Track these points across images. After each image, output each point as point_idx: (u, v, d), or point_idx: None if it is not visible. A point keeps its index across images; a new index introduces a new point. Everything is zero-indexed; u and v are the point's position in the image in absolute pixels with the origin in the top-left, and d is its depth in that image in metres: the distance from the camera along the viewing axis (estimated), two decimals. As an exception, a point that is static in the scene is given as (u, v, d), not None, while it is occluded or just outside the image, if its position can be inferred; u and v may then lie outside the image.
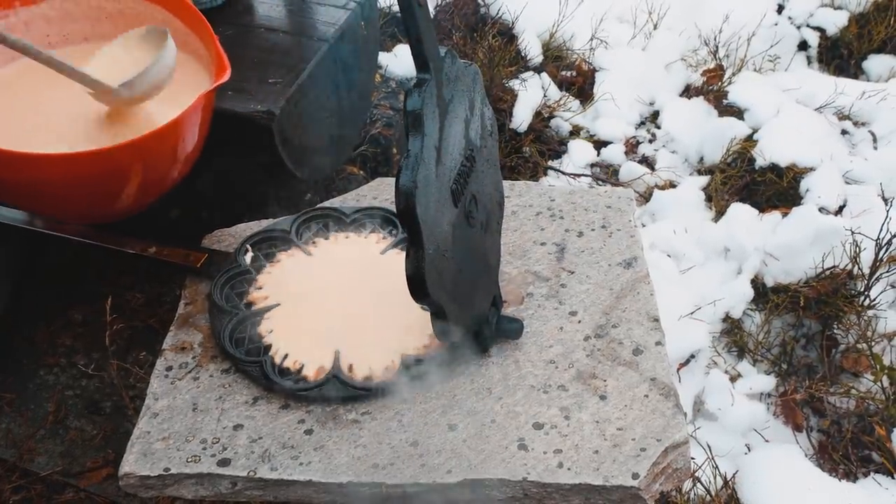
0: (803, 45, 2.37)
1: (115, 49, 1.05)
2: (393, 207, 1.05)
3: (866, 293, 1.57)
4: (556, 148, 2.08)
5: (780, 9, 2.45)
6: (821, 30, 2.37)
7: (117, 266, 1.33)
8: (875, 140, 2.02)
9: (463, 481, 0.82)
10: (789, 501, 1.30)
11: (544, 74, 2.19)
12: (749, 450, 1.43)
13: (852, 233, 1.58)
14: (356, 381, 0.90)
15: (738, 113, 2.04)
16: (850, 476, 1.39)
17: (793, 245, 1.63)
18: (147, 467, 0.84)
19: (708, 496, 1.32)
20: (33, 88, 1.11)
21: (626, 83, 2.20)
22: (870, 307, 1.56)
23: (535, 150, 2.04)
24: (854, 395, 1.47)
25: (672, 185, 1.96)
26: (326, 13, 1.42)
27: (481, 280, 0.90)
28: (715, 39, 2.30)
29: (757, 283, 1.65)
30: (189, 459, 0.84)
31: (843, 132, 2.05)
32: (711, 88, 2.19)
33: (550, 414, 0.88)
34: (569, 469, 0.82)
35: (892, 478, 1.36)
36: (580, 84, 2.24)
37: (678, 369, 1.54)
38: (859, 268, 1.58)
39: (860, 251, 1.57)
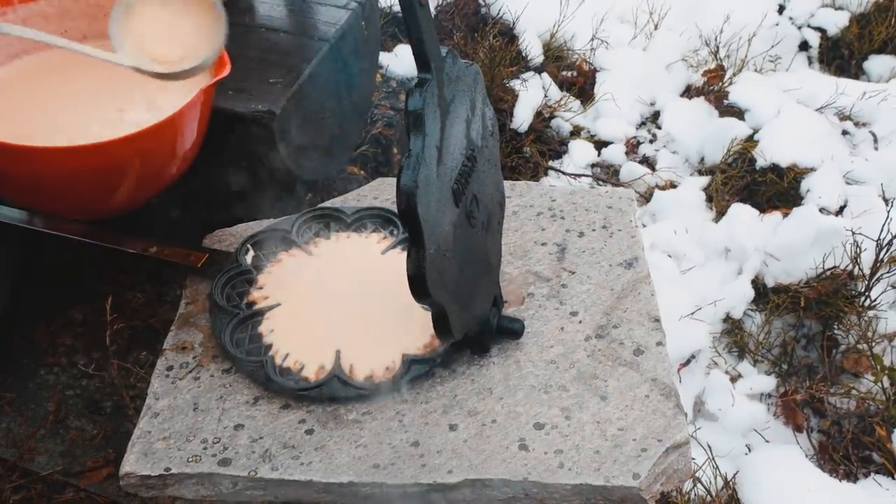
0: (804, 46, 2.37)
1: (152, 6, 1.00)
2: (394, 207, 1.05)
3: (867, 293, 1.57)
4: (557, 148, 2.08)
5: (781, 9, 2.45)
6: (822, 30, 2.37)
7: (117, 266, 1.32)
8: (876, 140, 2.02)
9: (464, 481, 0.82)
10: (790, 502, 1.30)
11: (545, 74, 2.19)
12: (749, 450, 1.43)
13: (853, 233, 1.58)
14: (357, 381, 0.90)
15: (738, 113, 2.04)
16: (851, 476, 1.39)
17: (793, 245, 1.63)
18: (148, 467, 0.84)
19: (708, 496, 1.32)
20: (36, 85, 1.10)
21: (627, 83, 2.20)
22: (870, 308, 1.56)
23: (535, 151, 2.04)
24: (854, 396, 1.47)
25: (673, 186, 1.96)
26: (327, 13, 1.42)
27: (482, 280, 0.90)
28: (716, 40, 2.30)
29: (757, 284, 1.65)
30: (190, 459, 0.84)
31: (844, 132, 2.05)
32: (712, 89, 2.19)
33: (551, 414, 0.88)
34: (570, 469, 0.82)
35: (893, 478, 1.36)
36: (581, 84, 2.24)
37: (679, 370, 1.54)
38: (860, 268, 1.58)
39: (861, 252, 1.57)
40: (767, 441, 1.44)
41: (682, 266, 1.70)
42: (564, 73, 2.27)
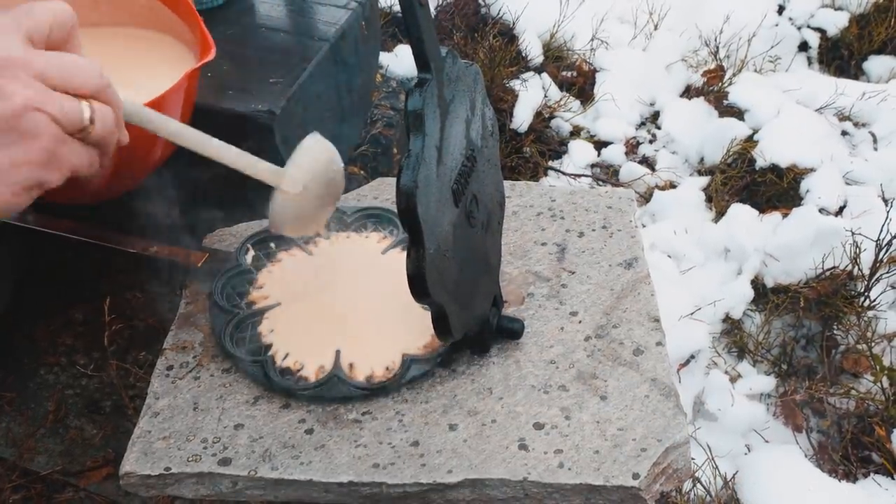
0: (804, 46, 2.37)
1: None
2: (394, 207, 1.05)
3: (866, 294, 1.57)
4: (557, 148, 2.08)
5: (781, 9, 2.45)
6: (821, 31, 2.37)
7: (117, 266, 1.33)
8: (875, 141, 2.02)
9: (463, 481, 0.82)
10: (789, 502, 1.30)
11: (545, 75, 2.19)
12: (749, 450, 1.43)
13: (852, 233, 1.59)
14: (357, 381, 0.90)
15: (738, 113, 2.05)
16: (850, 477, 1.39)
17: (793, 246, 1.63)
18: (148, 466, 0.84)
19: (708, 496, 1.32)
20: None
21: (627, 84, 2.20)
22: (870, 308, 1.56)
23: (535, 151, 2.04)
24: (854, 396, 1.47)
25: (672, 186, 1.96)
26: (327, 13, 1.42)
27: (482, 280, 0.90)
28: (715, 40, 2.30)
29: (757, 284, 1.65)
30: (190, 459, 0.84)
31: (844, 133, 2.06)
32: (712, 89, 2.19)
33: (551, 414, 0.88)
34: (569, 469, 0.82)
35: (892, 478, 1.36)
36: (581, 84, 2.24)
37: (678, 370, 1.54)
38: (859, 268, 1.58)
39: (860, 252, 1.58)
40: (767, 441, 1.44)
41: (682, 266, 1.70)
42: (564, 73, 2.27)
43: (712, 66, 2.29)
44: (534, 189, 1.17)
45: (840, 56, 2.36)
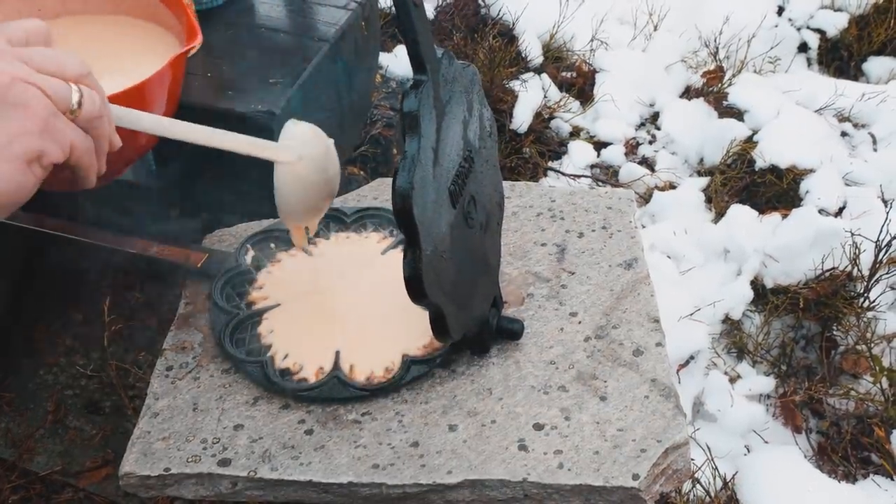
0: (803, 47, 2.37)
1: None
2: (394, 208, 1.05)
3: (866, 295, 1.57)
4: (556, 149, 2.08)
5: (781, 10, 2.45)
6: (821, 31, 2.37)
7: (117, 266, 1.33)
8: (875, 142, 2.02)
9: (463, 482, 0.82)
10: (788, 503, 1.30)
11: (544, 75, 2.19)
12: (748, 451, 1.43)
13: (852, 234, 1.59)
14: (357, 382, 0.90)
15: (738, 114, 2.05)
16: (850, 477, 1.39)
17: (792, 246, 1.63)
18: (147, 467, 0.84)
19: (707, 497, 1.32)
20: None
21: (627, 84, 2.20)
22: (869, 309, 1.56)
23: (535, 151, 2.04)
24: (853, 397, 1.47)
25: (672, 187, 1.96)
26: (327, 13, 1.42)
27: (481, 281, 0.90)
28: (715, 41, 2.30)
29: (756, 285, 1.65)
30: (189, 459, 0.84)
31: (843, 134, 2.06)
32: (711, 90, 2.19)
33: (551, 415, 0.88)
34: (569, 470, 0.82)
35: (892, 479, 1.36)
36: (580, 85, 2.24)
37: (678, 370, 1.54)
38: (859, 269, 1.58)
39: (860, 253, 1.57)
40: (766, 442, 1.44)
41: (682, 267, 1.70)
42: (564, 73, 2.27)
43: (712, 66, 2.29)
44: (533, 189, 1.17)
45: (839, 57, 2.36)
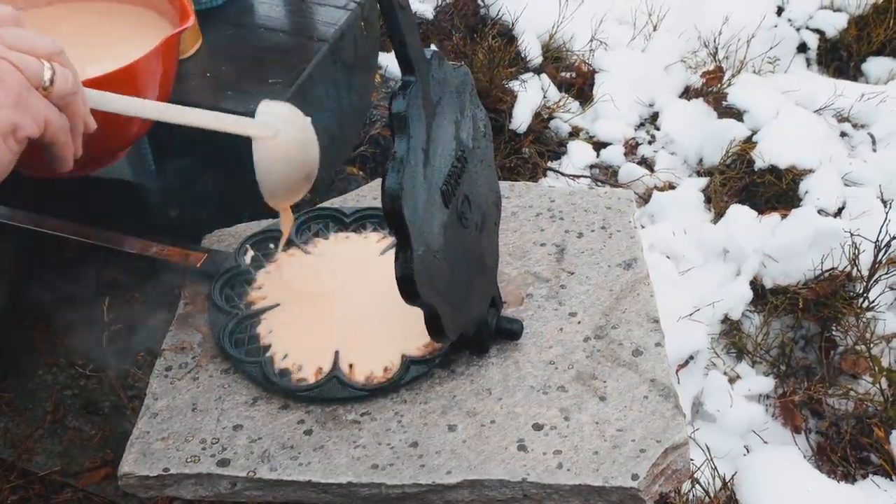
0: (802, 47, 2.37)
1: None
2: (393, 208, 1.05)
3: (865, 295, 1.57)
4: (556, 149, 2.08)
5: (780, 11, 2.45)
6: (820, 32, 2.37)
7: (117, 266, 1.32)
8: (874, 142, 2.02)
9: (462, 482, 0.82)
10: (788, 503, 1.30)
11: (544, 75, 2.19)
12: (748, 451, 1.43)
13: (851, 234, 1.59)
14: (356, 382, 0.90)
15: (737, 114, 2.05)
16: (849, 478, 1.39)
17: (792, 247, 1.63)
18: (146, 467, 0.84)
19: (707, 497, 1.32)
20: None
21: (626, 84, 2.20)
22: (868, 309, 1.56)
23: (534, 151, 2.04)
24: (853, 397, 1.47)
25: (671, 187, 1.96)
26: (326, 13, 1.42)
27: (477, 280, 0.90)
28: (714, 41, 2.30)
29: (756, 285, 1.65)
30: (188, 460, 0.84)
31: (843, 134, 2.06)
32: (711, 90, 2.19)
33: (550, 415, 0.88)
34: (568, 470, 0.82)
35: (891, 479, 1.36)
36: (580, 85, 2.25)
37: (677, 371, 1.54)
38: (858, 270, 1.58)
39: (859, 253, 1.58)
40: (766, 442, 1.44)
41: (681, 267, 1.70)
42: (563, 74, 2.27)
43: (711, 67, 2.29)
44: (533, 189, 1.17)
45: (839, 57, 2.36)
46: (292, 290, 1.01)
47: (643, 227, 1.83)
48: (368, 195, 1.18)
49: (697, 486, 1.33)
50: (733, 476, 1.34)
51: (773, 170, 1.87)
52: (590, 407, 0.88)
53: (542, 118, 2.12)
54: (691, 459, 0.90)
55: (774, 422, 1.49)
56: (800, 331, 1.60)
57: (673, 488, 1.00)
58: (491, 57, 2.07)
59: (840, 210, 1.77)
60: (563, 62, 2.29)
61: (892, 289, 1.61)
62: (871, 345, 1.51)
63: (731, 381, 1.53)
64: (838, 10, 2.39)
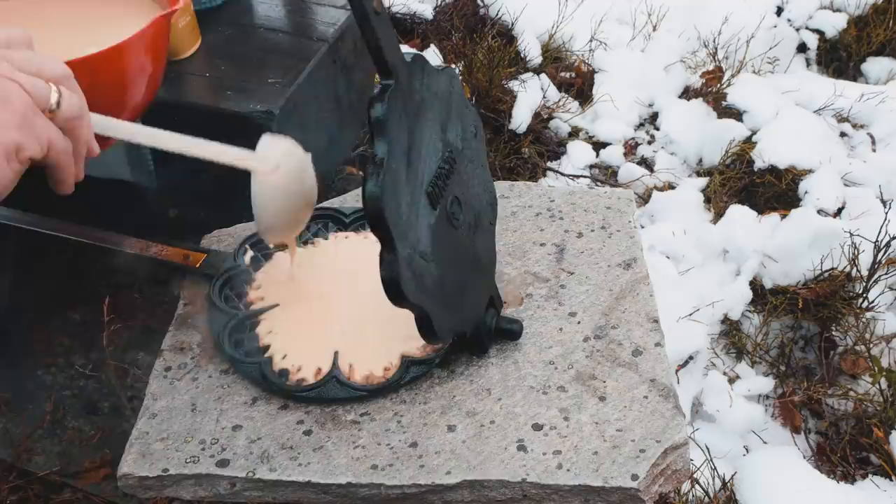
0: (802, 48, 2.37)
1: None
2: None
3: (865, 295, 1.57)
4: (555, 149, 2.08)
5: (780, 11, 2.45)
6: (820, 32, 2.37)
7: (116, 266, 1.32)
8: (874, 142, 2.03)
9: (462, 482, 0.82)
10: (787, 503, 1.30)
11: (543, 75, 2.19)
12: (747, 451, 1.43)
13: (851, 235, 1.59)
14: (355, 382, 0.90)
15: (737, 115, 2.05)
16: (849, 478, 1.39)
17: (791, 247, 1.63)
18: (146, 468, 0.84)
19: (706, 498, 1.32)
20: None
21: (626, 85, 2.20)
22: (868, 309, 1.56)
23: (534, 152, 2.04)
24: (852, 398, 1.47)
25: (671, 187, 1.96)
26: (326, 13, 1.42)
27: (472, 280, 0.90)
28: (714, 41, 2.30)
29: (755, 285, 1.65)
30: (188, 460, 0.84)
31: (842, 134, 2.06)
32: (710, 90, 2.19)
33: (550, 415, 0.87)
34: (568, 470, 0.82)
35: (891, 480, 1.36)
36: (579, 85, 2.24)
37: (676, 371, 1.54)
38: (858, 270, 1.58)
39: (859, 253, 1.57)
40: (765, 442, 1.44)
41: (681, 267, 1.70)
42: (563, 74, 2.27)
43: (711, 67, 2.29)
44: (533, 189, 1.17)
45: (838, 58, 2.36)
46: (292, 291, 1.01)
47: (643, 227, 1.83)
48: (368, 195, 1.17)
49: (697, 486, 1.33)
50: (733, 476, 1.34)
51: (772, 170, 1.87)
52: (589, 407, 0.88)
53: (541, 118, 2.12)
54: (691, 460, 0.90)
55: (774, 422, 1.49)
56: (799, 331, 1.60)
57: (673, 488, 1.00)
58: (490, 57, 2.07)
59: (840, 210, 1.78)
60: (562, 62, 2.29)
61: (891, 289, 1.61)
62: (871, 345, 1.51)
63: (731, 381, 1.53)
64: (838, 10, 2.39)
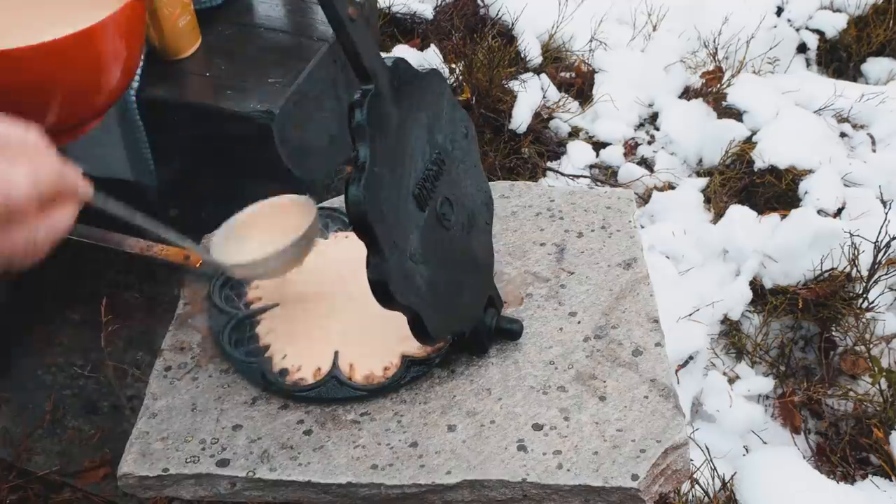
0: (802, 48, 2.37)
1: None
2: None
3: (865, 295, 1.57)
4: (555, 149, 2.08)
5: (780, 11, 2.45)
6: (820, 32, 2.37)
7: (116, 266, 1.32)
8: (874, 142, 2.03)
9: (462, 482, 0.82)
10: (787, 503, 1.30)
11: (544, 75, 2.19)
12: (747, 451, 1.43)
13: (851, 235, 1.59)
14: (355, 382, 0.90)
15: (737, 115, 2.05)
16: (848, 478, 1.39)
17: (791, 247, 1.63)
18: (146, 467, 0.84)
19: (706, 498, 1.32)
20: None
21: (626, 85, 2.20)
22: (868, 309, 1.56)
23: (534, 152, 2.04)
24: (852, 398, 1.47)
25: (671, 187, 1.96)
26: (326, 13, 1.42)
27: (467, 281, 0.90)
28: (714, 41, 2.30)
29: (755, 285, 1.65)
30: (188, 460, 0.84)
31: (842, 135, 2.06)
32: (710, 90, 2.19)
33: (550, 415, 0.87)
34: (568, 470, 0.82)
35: (890, 480, 1.36)
36: (579, 85, 2.24)
37: (676, 371, 1.54)
38: (858, 270, 1.58)
39: (859, 253, 1.58)
40: (765, 442, 1.44)
41: (681, 267, 1.70)
42: (563, 74, 2.27)
43: (711, 67, 2.29)
44: (533, 189, 1.17)
45: (838, 58, 2.36)
46: (292, 290, 1.01)
47: (643, 227, 1.83)
48: (368, 195, 1.17)
49: (697, 486, 1.33)
50: (733, 476, 1.34)
51: (772, 170, 1.87)
52: (590, 407, 0.88)
53: (541, 118, 2.12)
54: (691, 460, 0.90)
55: (774, 422, 1.49)
56: (799, 331, 1.60)
57: (673, 488, 1.00)
58: (491, 57, 2.07)
59: (840, 210, 1.78)
60: (562, 62, 2.29)
61: (891, 289, 1.61)
62: (871, 345, 1.51)
63: (731, 381, 1.53)
64: (838, 10, 2.39)
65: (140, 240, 1.07)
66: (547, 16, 2.31)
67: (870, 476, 1.38)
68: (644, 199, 1.92)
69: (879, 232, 1.57)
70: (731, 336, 1.61)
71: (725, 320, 1.62)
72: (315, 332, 0.96)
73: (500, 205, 1.12)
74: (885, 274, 1.59)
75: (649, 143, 2.13)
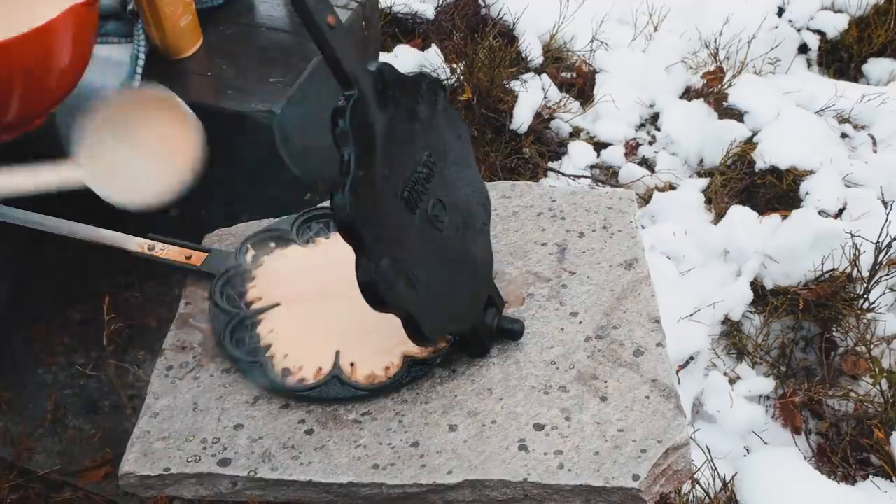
0: (803, 48, 2.37)
1: None
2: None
3: (865, 296, 1.57)
4: (556, 149, 2.08)
5: (781, 12, 2.45)
6: (821, 33, 2.37)
7: (117, 265, 1.32)
8: (875, 143, 2.02)
9: (463, 482, 0.82)
10: (788, 504, 1.30)
11: (545, 76, 2.19)
12: (748, 452, 1.43)
13: (852, 236, 1.58)
14: (357, 382, 0.90)
15: (738, 115, 2.05)
16: (849, 479, 1.39)
17: (792, 248, 1.63)
18: (147, 467, 0.84)
19: (707, 498, 1.32)
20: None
21: (627, 85, 2.20)
22: (869, 310, 1.56)
23: (535, 152, 2.04)
24: (853, 398, 1.47)
25: (672, 187, 1.96)
26: (328, 13, 1.42)
27: (464, 281, 0.90)
28: (715, 42, 2.30)
29: (756, 286, 1.65)
30: (189, 459, 0.84)
31: (843, 135, 2.06)
32: (712, 91, 2.19)
33: (551, 415, 0.87)
34: (569, 470, 0.82)
35: (891, 481, 1.36)
36: (580, 85, 2.24)
37: (677, 371, 1.54)
38: (859, 271, 1.58)
39: (860, 254, 1.57)
40: (766, 443, 1.44)
41: (681, 268, 1.70)
42: (564, 74, 2.27)
43: (712, 67, 2.28)
44: (534, 189, 1.17)
45: (839, 58, 2.36)
46: (293, 290, 1.01)
47: (644, 227, 1.83)
48: (369, 195, 1.17)
49: (698, 486, 1.33)
50: (733, 477, 1.34)
51: (773, 171, 1.86)
52: (591, 407, 0.88)
53: (542, 118, 2.12)
54: (692, 460, 0.90)
55: (774, 423, 1.49)
56: (800, 332, 1.60)
57: (673, 489, 1.00)
58: (492, 57, 2.07)
59: (841, 211, 1.77)
60: (563, 62, 2.29)
61: (892, 290, 1.61)
62: (872, 346, 1.51)
63: (732, 381, 1.53)
64: (839, 11, 2.39)
65: (141, 239, 1.07)
66: (548, 16, 2.31)
67: (870, 477, 1.38)
68: (645, 199, 1.92)
69: (880, 232, 1.57)
70: (731, 336, 1.61)
71: (726, 321, 1.62)
72: (316, 331, 0.96)
73: (501, 205, 1.12)
74: (886, 275, 1.59)
75: (650, 143, 2.13)
